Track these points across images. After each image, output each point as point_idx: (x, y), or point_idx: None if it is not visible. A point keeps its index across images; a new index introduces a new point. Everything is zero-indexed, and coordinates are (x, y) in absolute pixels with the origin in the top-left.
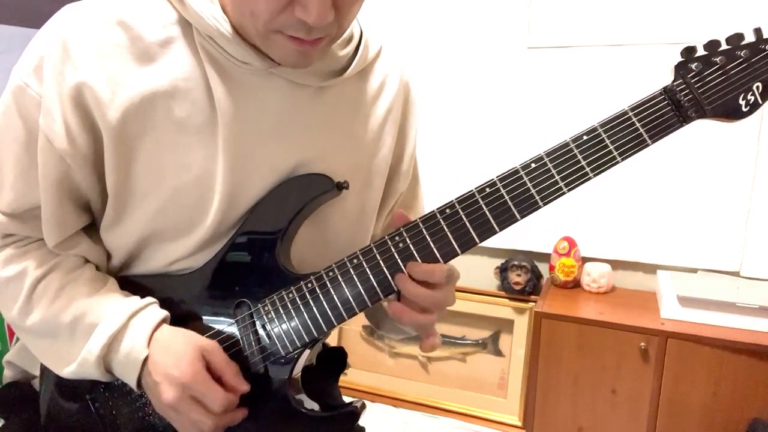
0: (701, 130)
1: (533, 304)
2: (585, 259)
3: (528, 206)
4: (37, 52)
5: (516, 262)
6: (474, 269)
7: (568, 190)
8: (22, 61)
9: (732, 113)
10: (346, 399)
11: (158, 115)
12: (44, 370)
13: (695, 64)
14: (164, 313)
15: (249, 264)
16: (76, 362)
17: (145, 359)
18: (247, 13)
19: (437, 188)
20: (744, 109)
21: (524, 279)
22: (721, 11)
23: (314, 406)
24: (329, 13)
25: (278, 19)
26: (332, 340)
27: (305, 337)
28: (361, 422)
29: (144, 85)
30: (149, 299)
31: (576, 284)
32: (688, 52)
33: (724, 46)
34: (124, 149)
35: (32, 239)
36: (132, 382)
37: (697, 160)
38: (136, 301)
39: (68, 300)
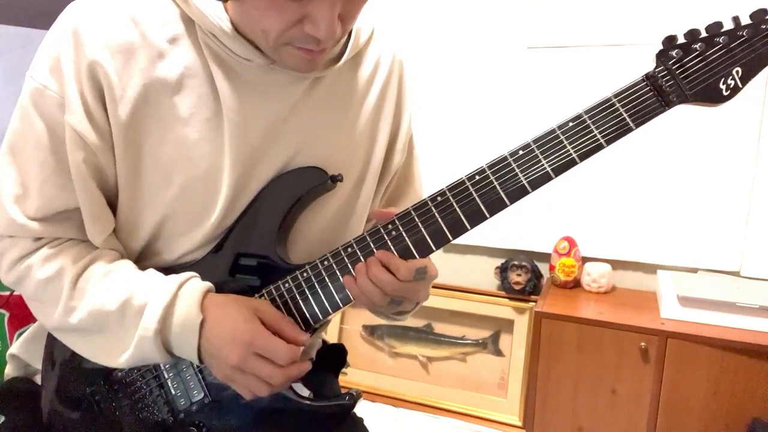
0: (701, 130)
1: (533, 304)
2: (585, 259)
3: (516, 191)
4: (50, 53)
5: (516, 262)
6: (474, 269)
7: (556, 176)
8: (35, 65)
9: (713, 97)
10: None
11: (165, 110)
12: (46, 365)
13: (676, 51)
14: (208, 283)
15: (246, 256)
16: (132, 346)
17: (201, 324)
18: (258, 30)
19: (437, 188)
20: (725, 93)
21: (524, 279)
22: (721, 11)
23: (311, 395)
24: (337, 26)
25: (288, 34)
26: (331, 340)
27: (302, 327)
28: (359, 416)
29: (152, 80)
30: (191, 273)
31: (576, 284)
32: (669, 40)
33: (703, 34)
34: (133, 146)
35: (65, 239)
36: (193, 352)
37: (697, 160)
38: (178, 275)
39: (112, 289)
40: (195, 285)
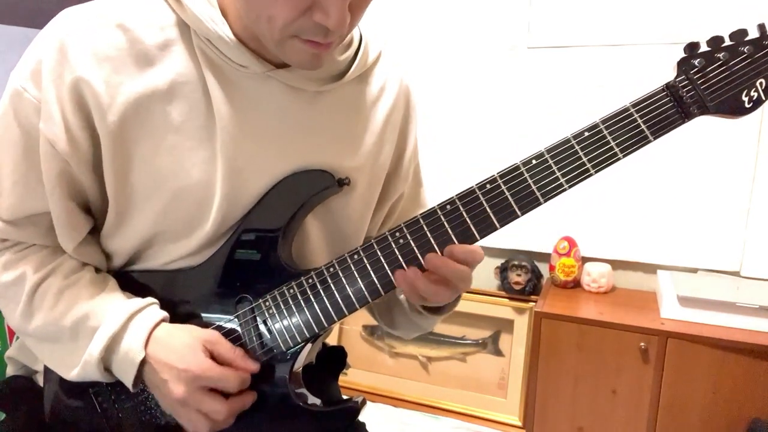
0: (701, 130)
1: (533, 304)
2: (585, 259)
3: (528, 202)
4: (34, 57)
5: (516, 262)
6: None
7: (569, 187)
8: (20, 66)
9: (735, 109)
10: (346, 398)
11: (156, 118)
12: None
13: (698, 60)
14: (163, 313)
15: (250, 260)
16: (79, 365)
17: (144, 360)
18: (264, 18)
19: (438, 189)
20: (747, 106)
21: (524, 279)
22: (722, 10)
23: (315, 401)
24: (347, 16)
25: (296, 23)
26: (332, 340)
27: (306, 333)
28: (361, 420)
29: (142, 87)
30: (150, 300)
31: (576, 284)
32: (691, 48)
33: (727, 42)
34: (123, 153)
35: (28, 244)
36: (129, 383)
37: (697, 160)
38: (136, 301)
39: (69, 304)
40: (147, 317)
